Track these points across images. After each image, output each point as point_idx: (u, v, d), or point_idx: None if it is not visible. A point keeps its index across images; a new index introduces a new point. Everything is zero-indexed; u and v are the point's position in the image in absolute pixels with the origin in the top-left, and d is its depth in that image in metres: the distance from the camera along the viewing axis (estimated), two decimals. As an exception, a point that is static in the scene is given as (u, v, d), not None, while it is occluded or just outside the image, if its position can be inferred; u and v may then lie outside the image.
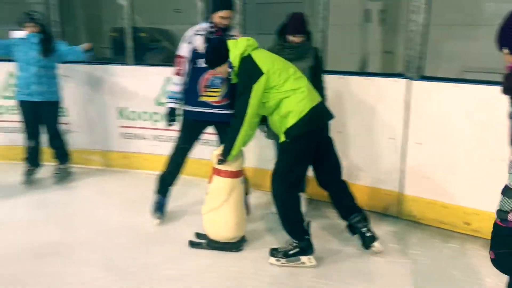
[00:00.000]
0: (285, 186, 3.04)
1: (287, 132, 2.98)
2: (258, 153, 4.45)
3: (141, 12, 5.42)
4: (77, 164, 5.04)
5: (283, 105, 2.96)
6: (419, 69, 3.65)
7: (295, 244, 3.10)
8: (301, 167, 3.09)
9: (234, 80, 3.09)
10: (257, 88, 2.91)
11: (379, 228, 3.70)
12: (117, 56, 8.19)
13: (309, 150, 3.05)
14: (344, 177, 3.34)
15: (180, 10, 11.96)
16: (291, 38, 3.47)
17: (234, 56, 3.00)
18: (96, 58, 11.15)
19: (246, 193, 3.45)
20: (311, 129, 2.98)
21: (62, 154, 4.66)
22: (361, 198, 3.99)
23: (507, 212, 1.74)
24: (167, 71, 4.16)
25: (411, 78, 3.66)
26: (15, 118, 5.02)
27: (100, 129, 5.07)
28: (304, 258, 3.10)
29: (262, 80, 2.91)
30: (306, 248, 3.09)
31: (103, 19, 12.77)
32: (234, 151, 3.06)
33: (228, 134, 3.10)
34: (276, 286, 2.94)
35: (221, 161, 3.16)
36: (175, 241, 3.46)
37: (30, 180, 4.59)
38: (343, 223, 3.36)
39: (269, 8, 7.75)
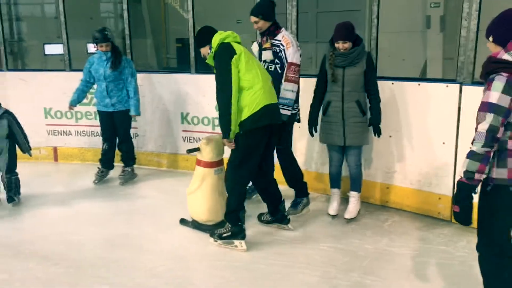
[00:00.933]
0: (235, 179, 3.43)
1: (241, 125, 3.30)
2: (311, 157, 4.62)
3: (204, 23, 5.71)
4: (145, 166, 5.46)
5: (240, 98, 3.27)
6: (471, 74, 3.68)
7: (229, 228, 3.50)
8: (251, 162, 3.40)
9: (209, 61, 3.43)
10: (234, 64, 3.24)
11: (431, 232, 3.76)
12: (181, 65, 8.67)
13: (258, 146, 3.38)
14: (397, 181, 3.51)
15: (241, 21, 12.34)
16: (337, 45, 3.66)
17: (215, 40, 3.38)
18: (163, 67, 11.81)
19: None
20: (263, 125, 3.30)
21: (128, 157, 5.07)
22: (413, 201, 4.08)
23: (473, 172, 2.17)
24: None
25: (463, 83, 3.70)
26: (91, 123, 5.54)
27: (165, 133, 5.45)
28: (236, 242, 3.49)
29: (235, 58, 3.25)
30: (238, 232, 3.47)
31: (169, 31, 13.44)
32: (232, 126, 3.26)
33: (220, 114, 3.30)
34: (329, 280, 3.10)
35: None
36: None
37: (100, 180, 5.04)
38: (390, 226, 3.48)
39: (329, 17, 7.90)
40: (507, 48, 2.16)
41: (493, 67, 2.17)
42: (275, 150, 3.95)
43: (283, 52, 3.77)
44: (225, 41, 3.37)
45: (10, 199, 4.29)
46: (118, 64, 4.71)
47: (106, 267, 3.29)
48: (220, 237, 3.54)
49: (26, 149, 4.37)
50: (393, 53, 5.90)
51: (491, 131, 2.14)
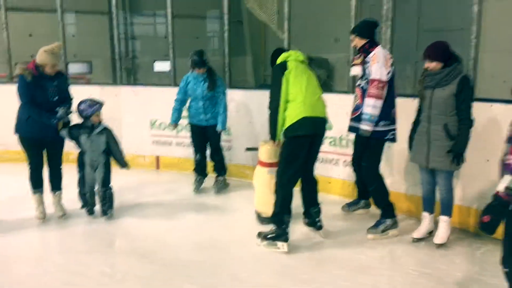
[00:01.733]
0: (279, 183, 3.76)
1: (285, 132, 3.72)
2: (404, 178, 4.54)
3: (301, 42, 5.85)
4: (235, 177, 5.74)
5: (287, 109, 3.67)
6: None
7: (273, 230, 3.79)
8: (292, 168, 3.71)
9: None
10: (284, 79, 3.65)
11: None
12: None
13: (298, 153, 3.68)
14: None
15: (339, 39, 12.36)
16: (426, 64, 3.62)
17: (279, 58, 3.84)
18: (260, 84, 12.16)
19: None
20: (302, 134, 3.63)
21: (220, 167, 5.37)
22: None
23: None
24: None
25: None
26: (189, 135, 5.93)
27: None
28: (279, 244, 3.77)
29: (286, 73, 3.66)
30: (280, 234, 3.75)
31: (268, 49, 13.82)
32: (278, 131, 3.72)
33: (269, 120, 3.75)
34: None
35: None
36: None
37: (198, 188, 5.38)
38: (483, 254, 3.36)
39: (432, 36, 7.67)
40: None
41: None
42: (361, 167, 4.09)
43: (368, 68, 3.90)
44: (287, 59, 3.77)
45: (104, 213, 4.43)
46: (214, 85, 5.04)
47: (198, 269, 3.54)
48: (265, 238, 3.82)
49: (123, 164, 4.45)
50: (497, 73, 5.60)
51: None
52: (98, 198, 4.43)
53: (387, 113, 3.90)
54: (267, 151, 4.18)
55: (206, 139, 5.28)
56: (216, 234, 4.18)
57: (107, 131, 4.37)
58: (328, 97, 5.01)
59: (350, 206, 4.59)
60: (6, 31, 6.57)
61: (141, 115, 6.18)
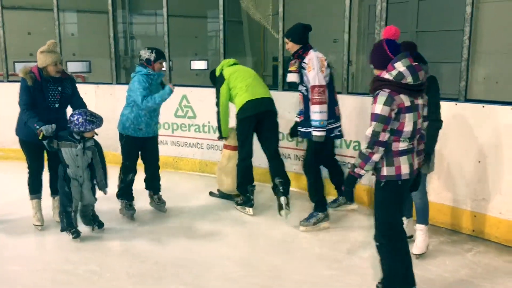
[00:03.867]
0: (240, 159, 4.55)
1: (236, 116, 4.47)
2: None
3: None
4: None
5: (235, 99, 4.47)
6: None
7: (241, 198, 4.66)
8: (246, 145, 4.46)
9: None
10: (223, 88, 4.49)
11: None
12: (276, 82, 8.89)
13: (248, 131, 4.42)
14: (485, 210, 3.57)
15: (337, 40, 12.35)
16: None
17: (217, 71, 4.69)
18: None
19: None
20: (248, 115, 4.36)
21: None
22: (502, 232, 3.84)
23: (356, 167, 2.76)
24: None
25: None
26: (206, 136, 5.91)
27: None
28: (247, 209, 4.60)
29: (225, 82, 4.49)
30: (246, 201, 4.60)
31: (267, 49, 13.82)
32: (223, 129, 4.65)
33: (217, 120, 4.65)
34: None
35: (220, 138, 4.82)
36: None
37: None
38: (474, 256, 3.35)
39: (429, 37, 7.67)
40: (387, 69, 2.69)
41: (378, 84, 2.68)
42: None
43: (305, 75, 4.00)
44: (222, 69, 4.61)
45: (99, 226, 4.10)
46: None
47: (187, 268, 3.54)
48: (237, 204, 4.72)
49: (103, 186, 3.99)
50: (489, 75, 5.59)
51: (373, 136, 2.65)
52: (84, 217, 4.08)
53: (331, 112, 4.03)
54: (235, 137, 4.72)
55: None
56: (207, 233, 4.18)
57: (97, 148, 3.95)
58: None
59: (332, 204, 4.61)
60: (2, 29, 6.55)
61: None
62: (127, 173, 4.39)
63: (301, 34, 4.07)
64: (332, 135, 4.12)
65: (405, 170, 2.74)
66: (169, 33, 6.07)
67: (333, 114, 4.08)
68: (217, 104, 4.58)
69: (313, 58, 3.96)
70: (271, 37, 14.24)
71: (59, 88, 4.04)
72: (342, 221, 4.41)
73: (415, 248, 3.64)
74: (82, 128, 3.76)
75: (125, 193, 4.46)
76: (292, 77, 4.12)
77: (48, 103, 4.00)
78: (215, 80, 4.68)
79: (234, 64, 4.72)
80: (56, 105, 4.05)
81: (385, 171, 2.74)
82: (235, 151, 4.75)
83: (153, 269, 3.52)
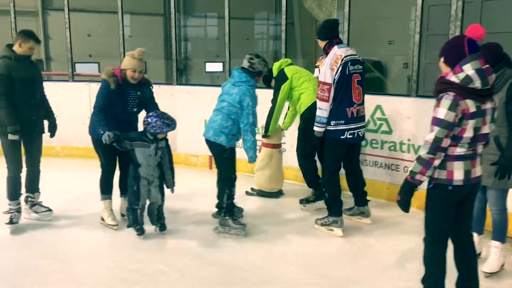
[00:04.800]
0: (301, 156, 4.66)
1: (302, 116, 4.57)
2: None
3: (355, 43, 5.71)
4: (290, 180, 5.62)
5: (300, 99, 4.55)
6: None
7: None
8: (308, 143, 4.40)
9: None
10: (285, 86, 4.52)
11: None
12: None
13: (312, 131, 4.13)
14: None
15: (392, 42, 12.05)
16: None
17: (275, 69, 4.73)
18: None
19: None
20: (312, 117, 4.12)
21: None
22: None
23: (416, 173, 2.59)
24: (378, 99, 4.75)
25: None
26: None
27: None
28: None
29: (287, 82, 4.52)
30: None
31: (319, 51, 13.59)
32: (271, 128, 4.77)
33: (267, 117, 4.74)
34: None
35: (264, 136, 4.92)
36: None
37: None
38: None
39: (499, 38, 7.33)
40: (454, 71, 2.50)
41: (442, 87, 2.52)
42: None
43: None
44: (282, 67, 4.67)
45: (162, 228, 4.07)
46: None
47: (253, 271, 3.48)
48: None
49: (171, 184, 4.05)
50: None
51: (435, 141, 2.50)
52: (150, 215, 4.07)
53: (340, 112, 3.91)
54: (278, 135, 5.08)
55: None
56: (271, 237, 4.10)
57: (167, 148, 4.01)
58: (386, 100, 4.99)
59: (346, 211, 4.41)
60: (69, 31, 6.75)
61: (197, 115, 6.18)
62: (233, 186, 4.13)
63: (326, 30, 4.07)
64: (342, 137, 3.96)
65: (458, 176, 2.58)
66: (230, 35, 6.05)
67: (343, 115, 3.92)
68: (273, 101, 4.60)
69: (329, 55, 3.94)
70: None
71: (138, 93, 4.07)
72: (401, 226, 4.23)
73: (486, 265, 3.40)
74: (158, 130, 3.82)
75: (231, 208, 4.16)
76: (317, 72, 4.23)
77: (127, 106, 4.04)
78: (274, 78, 4.67)
79: (291, 64, 4.74)
80: (134, 109, 4.10)
81: (436, 173, 2.60)
82: (276, 149, 5.06)
83: (220, 272, 3.48)
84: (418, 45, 4.65)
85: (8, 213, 4.09)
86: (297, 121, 4.86)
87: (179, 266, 3.55)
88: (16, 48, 4.00)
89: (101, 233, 4.13)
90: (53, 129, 4.33)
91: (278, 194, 5.16)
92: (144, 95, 4.12)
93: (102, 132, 3.80)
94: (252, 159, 4.05)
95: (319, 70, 4.14)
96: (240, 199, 4.99)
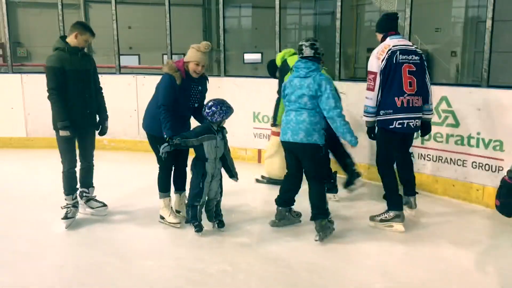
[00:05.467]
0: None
1: None
2: None
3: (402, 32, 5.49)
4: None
5: None
6: None
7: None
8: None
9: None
10: (286, 78, 4.23)
11: None
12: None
13: None
14: None
15: (439, 29, 11.62)
16: None
17: (278, 59, 4.91)
18: (349, 77, 11.72)
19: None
20: None
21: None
22: None
23: None
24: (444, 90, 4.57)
25: None
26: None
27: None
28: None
29: (290, 73, 4.18)
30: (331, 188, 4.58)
31: (360, 41, 13.32)
32: (279, 117, 4.54)
33: (275, 107, 4.85)
34: None
35: (273, 125, 4.91)
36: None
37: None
38: None
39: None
40: None
41: None
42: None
43: None
44: (285, 57, 4.84)
45: (220, 225, 3.95)
46: None
47: (320, 273, 3.31)
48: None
49: (235, 174, 3.94)
50: None
51: None
52: (207, 211, 3.95)
53: (389, 102, 3.83)
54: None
55: None
56: (334, 236, 3.89)
57: (226, 137, 3.92)
58: (453, 91, 4.70)
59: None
60: (116, 23, 6.69)
61: (244, 107, 6.03)
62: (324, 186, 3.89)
63: (382, 23, 4.08)
64: (390, 126, 3.85)
65: None
66: (280, 24, 5.86)
67: (392, 105, 3.83)
68: (279, 92, 4.63)
69: (379, 45, 3.94)
70: (364, 28, 13.76)
71: (199, 88, 3.95)
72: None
73: None
74: (224, 116, 3.76)
75: (325, 209, 3.84)
76: None
77: (189, 102, 3.92)
78: (278, 69, 4.81)
79: (295, 54, 4.69)
80: (196, 105, 3.97)
81: None
82: None
83: (286, 273, 3.32)
84: (490, 32, 4.33)
85: (65, 207, 4.04)
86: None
87: (243, 266, 3.40)
88: (71, 39, 3.91)
89: (159, 230, 4.02)
90: (103, 127, 4.21)
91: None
92: (203, 90, 4.01)
93: (166, 136, 3.69)
94: (353, 142, 3.70)
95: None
96: (251, 186, 5.13)
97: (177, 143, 3.67)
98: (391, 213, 3.98)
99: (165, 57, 10.45)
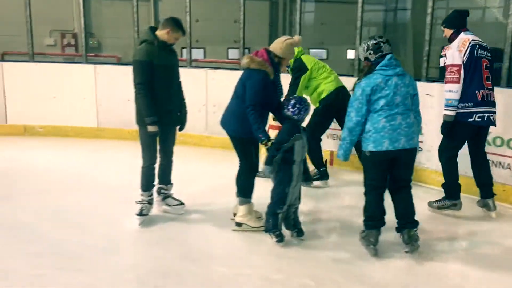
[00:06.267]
0: (315, 138, 4.87)
1: (320, 102, 4.87)
2: None
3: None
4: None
5: (320, 87, 4.84)
6: None
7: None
8: (320, 126, 4.99)
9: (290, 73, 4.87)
10: (304, 78, 4.78)
11: None
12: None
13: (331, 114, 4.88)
14: None
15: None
16: None
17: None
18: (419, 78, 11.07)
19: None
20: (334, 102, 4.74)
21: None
22: None
23: None
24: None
25: None
26: None
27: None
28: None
29: (307, 73, 4.79)
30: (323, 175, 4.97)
31: (433, 41, 12.60)
32: None
33: None
34: None
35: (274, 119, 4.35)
36: None
37: None
38: None
39: None
40: None
41: None
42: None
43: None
44: (299, 55, 4.90)
45: (299, 233, 3.69)
46: None
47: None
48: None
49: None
50: None
51: None
52: (285, 219, 3.66)
53: (470, 95, 3.88)
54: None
55: None
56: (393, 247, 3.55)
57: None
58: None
59: (434, 203, 4.31)
60: (189, 15, 6.60)
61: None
62: None
63: (454, 19, 4.12)
64: (470, 119, 3.90)
65: None
66: (362, 19, 5.51)
67: (473, 98, 3.89)
68: (291, 89, 4.75)
69: (457, 40, 3.98)
70: (438, 27, 13.04)
71: (280, 83, 3.76)
72: None
73: None
74: (308, 112, 3.62)
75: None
76: (442, 62, 4.10)
77: (276, 98, 3.71)
78: (291, 68, 4.82)
79: (303, 53, 4.93)
80: (278, 101, 3.75)
81: None
82: None
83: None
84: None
85: (140, 203, 3.94)
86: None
87: (328, 283, 3.13)
88: (161, 34, 3.78)
89: (234, 234, 3.81)
90: (183, 123, 4.12)
91: None
92: (280, 84, 3.80)
93: (263, 138, 3.50)
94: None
95: (445, 59, 4.01)
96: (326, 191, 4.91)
97: (280, 147, 3.46)
98: (448, 202, 4.17)
99: (230, 51, 10.33)
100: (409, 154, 3.41)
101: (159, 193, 4.12)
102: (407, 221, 3.48)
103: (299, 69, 4.76)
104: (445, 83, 3.95)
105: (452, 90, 3.89)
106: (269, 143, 3.50)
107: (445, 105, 3.93)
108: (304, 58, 4.84)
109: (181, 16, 6.59)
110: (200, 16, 11.42)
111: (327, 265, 3.35)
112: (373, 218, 3.45)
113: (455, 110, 3.90)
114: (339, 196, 4.86)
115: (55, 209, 4.22)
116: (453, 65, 3.88)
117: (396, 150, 3.32)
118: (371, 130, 3.32)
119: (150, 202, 3.98)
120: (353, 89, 3.46)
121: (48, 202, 4.38)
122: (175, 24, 3.78)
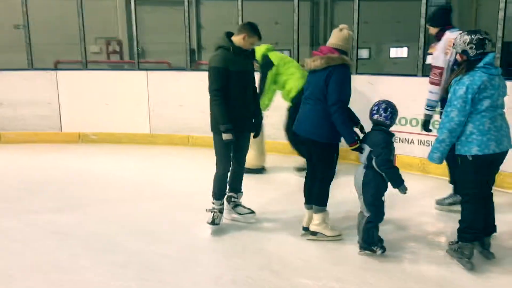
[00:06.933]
0: (292, 134, 4.42)
1: (293, 100, 4.91)
2: None
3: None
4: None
5: (287, 84, 4.98)
6: None
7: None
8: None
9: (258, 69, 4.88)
10: (270, 74, 4.95)
11: None
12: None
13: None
14: None
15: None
16: None
17: (258, 54, 4.85)
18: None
19: None
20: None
21: None
22: None
23: None
24: None
25: None
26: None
27: None
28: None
29: (273, 69, 4.95)
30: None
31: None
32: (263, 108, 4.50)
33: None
34: None
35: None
36: None
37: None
38: None
39: None
40: None
41: None
42: None
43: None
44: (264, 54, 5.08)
45: (383, 249, 3.40)
46: None
47: None
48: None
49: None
50: None
51: None
52: (365, 230, 3.40)
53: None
54: None
55: None
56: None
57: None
58: None
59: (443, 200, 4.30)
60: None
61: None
62: None
63: (438, 17, 4.12)
64: None
65: None
66: (426, 16, 5.26)
67: None
68: (260, 86, 4.87)
69: (442, 40, 3.96)
70: (485, 19, 12.60)
71: None
72: None
73: None
74: (397, 117, 3.44)
75: None
76: (429, 59, 4.16)
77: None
78: (260, 65, 4.94)
79: (273, 49, 5.10)
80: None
81: None
82: None
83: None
84: None
85: (211, 212, 3.85)
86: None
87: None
88: (238, 39, 3.69)
89: (311, 243, 3.67)
90: (258, 129, 4.02)
91: (261, 170, 5.39)
92: None
93: (356, 138, 3.39)
94: None
95: (432, 56, 4.06)
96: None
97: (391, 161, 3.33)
98: (459, 197, 3.78)
99: (286, 52, 10.23)
100: (504, 156, 3.21)
101: (229, 201, 4.03)
102: (492, 229, 3.35)
103: (266, 66, 4.95)
104: (429, 82, 4.06)
105: (432, 92, 4.02)
106: (357, 145, 3.35)
107: (426, 105, 4.11)
108: (271, 54, 5.00)
109: (223, 19, 6.55)
110: (247, 19, 11.34)
111: (415, 282, 3.14)
112: (473, 229, 3.21)
113: (434, 110, 4.09)
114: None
115: (124, 217, 4.20)
116: (436, 67, 3.97)
117: (500, 152, 3.12)
118: (475, 133, 3.09)
119: (221, 211, 3.89)
120: (447, 87, 3.26)
121: (115, 210, 4.38)
122: (251, 29, 3.69)
